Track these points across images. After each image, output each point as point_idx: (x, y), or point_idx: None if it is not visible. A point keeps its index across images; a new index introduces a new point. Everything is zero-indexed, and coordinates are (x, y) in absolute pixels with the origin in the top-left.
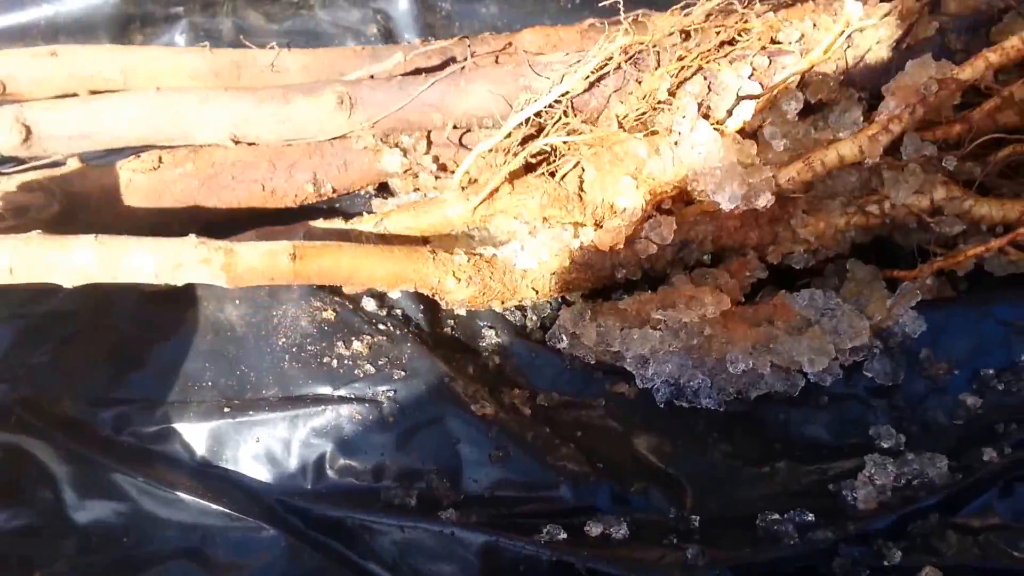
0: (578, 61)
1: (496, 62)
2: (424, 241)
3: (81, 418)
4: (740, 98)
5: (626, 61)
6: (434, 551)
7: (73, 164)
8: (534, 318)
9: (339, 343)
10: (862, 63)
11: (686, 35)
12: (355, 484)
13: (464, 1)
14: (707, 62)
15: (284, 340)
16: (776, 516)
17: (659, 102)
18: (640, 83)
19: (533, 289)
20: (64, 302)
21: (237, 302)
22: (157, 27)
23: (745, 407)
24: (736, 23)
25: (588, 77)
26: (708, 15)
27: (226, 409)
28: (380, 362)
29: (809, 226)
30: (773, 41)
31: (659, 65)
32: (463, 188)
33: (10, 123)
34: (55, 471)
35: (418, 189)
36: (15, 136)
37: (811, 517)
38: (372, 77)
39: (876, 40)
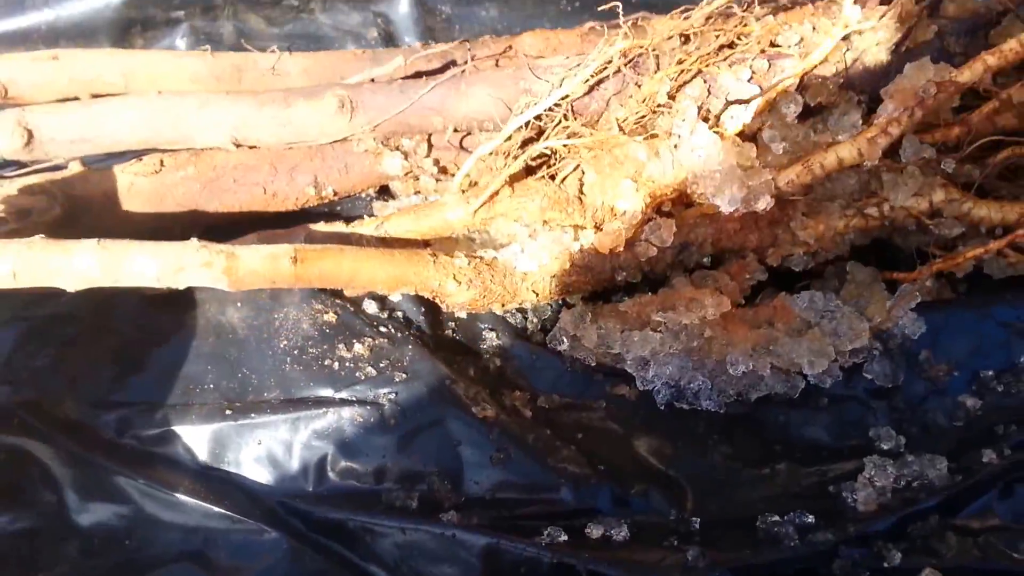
0: (578, 65)
1: (496, 65)
2: (425, 244)
3: (83, 421)
4: (729, 103)
5: (626, 65)
6: (435, 553)
7: (75, 167)
8: (535, 320)
9: (340, 345)
10: (861, 66)
11: (685, 39)
12: (356, 486)
13: (464, 4)
14: (706, 65)
15: (285, 343)
16: (776, 518)
17: (659, 105)
18: (640, 86)
19: (533, 292)
20: (66, 305)
21: (239, 305)
22: (158, 31)
23: (745, 409)
24: (735, 27)
25: (588, 81)
26: (707, 18)
27: (228, 412)
28: (381, 364)
29: (808, 228)
30: (772, 44)
31: (659, 69)
32: (463, 191)
33: (12, 127)
34: (57, 474)
35: (419, 192)
36: (17, 140)
37: (811, 519)
38: (373, 80)
39: (875, 43)
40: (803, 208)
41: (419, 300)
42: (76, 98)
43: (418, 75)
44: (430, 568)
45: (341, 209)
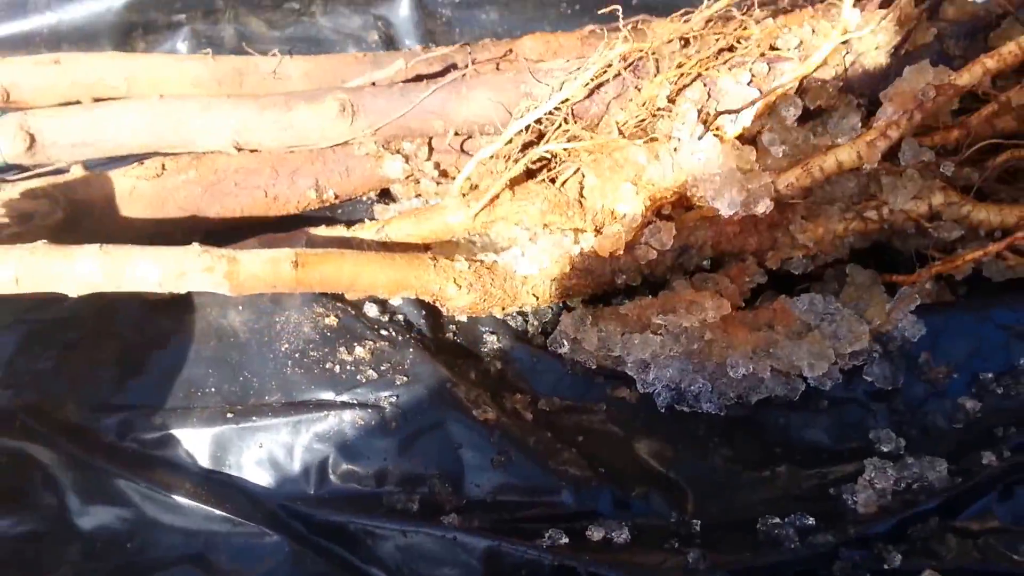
0: (578, 68)
1: (497, 69)
2: (425, 248)
3: (85, 424)
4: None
5: (626, 68)
6: (437, 556)
7: (77, 171)
8: (535, 323)
9: (341, 349)
10: (860, 69)
11: (685, 42)
12: (358, 489)
13: (464, 7)
14: (706, 69)
15: (287, 346)
16: (777, 520)
17: (659, 109)
18: (640, 90)
19: (534, 295)
20: (68, 309)
21: (240, 308)
22: (159, 34)
23: (746, 411)
24: (735, 30)
25: (588, 84)
26: (707, 22)
27: (229, 415)
28: (382, 367)
29: (808, 232)
30: (772, 48)
31: (658, 72)
32: (464, 195)
33: (14, 131)
34: (59, 477)
35: (420, 195)
36: (19, 144)
37: (811, 521)
38: (374, 84)
39: (874, 46)
40: (802, 211)
41: (420, 303)
42: (78, 102)
43: (419, 78)
44: (431, 571)
45: (342, 212)
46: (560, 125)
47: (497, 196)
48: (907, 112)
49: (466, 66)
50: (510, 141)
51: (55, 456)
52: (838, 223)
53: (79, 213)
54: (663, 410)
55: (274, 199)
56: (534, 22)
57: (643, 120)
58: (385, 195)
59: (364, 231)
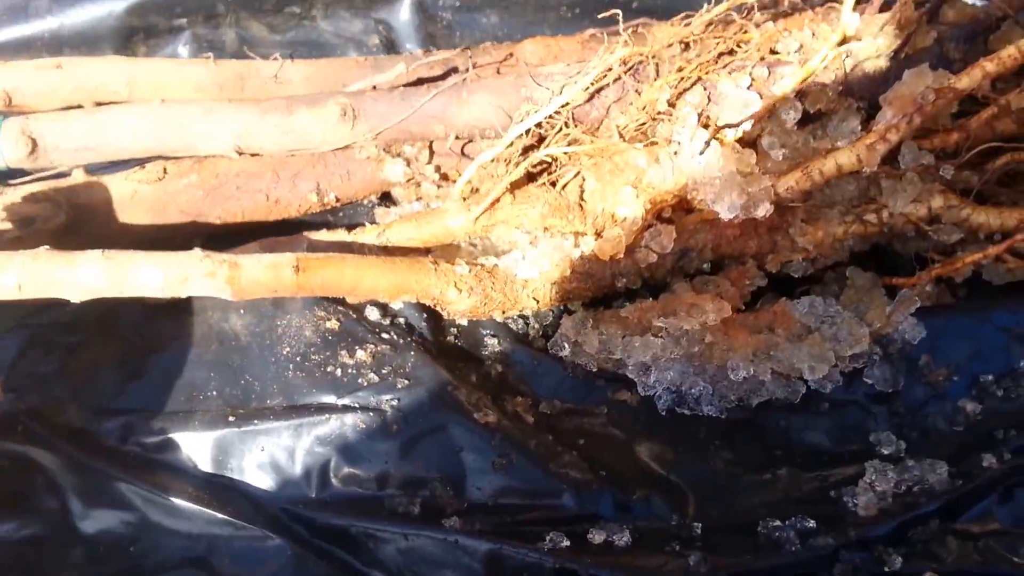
0: (579, 72)
1: (498, 73)
2: (426, 251)
3: (87, 428)
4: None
5: (626, 72)
6: (438, 559)
7: (79, 175)
8: (536, 326)
9: (343, 352)
10: (860, 72)
11: (685, 46)
12: (359, 492)
13: (465, 11)
14: (707, 73)
15: (288, 349)
16: (777, 523)
17: (659, 112)
18: (640, 94)
19: (534, 299)
20: (70, 313)
21: (241, 312)
22: (161, 39)
23: (746, 414)
24: (735, 34)
25: (588, 88)
26: (708, 25)
27: (231, 418)
28: (384, 371)
29: (808, 235)
30: (772, 51)
31: (659, 76)
32: (465, 198)
33: (16, 135)
34: (61, 481)
35: (420, 198)
36: (22, 149)
37: (812, 523)
38: (374, 88)
39: (874, 49)
40: (802, 214)
41: (421, 306)
42: (80, 106)
43: (420, 82)
44: (433, 574)
45: (343, 215)
46: (561, 129)
47: (498, 200)
48: (907, 116)
49: (467, 70)
50: (511, 145)
51: (57, 460)
52: (838, 226)
53: (81, 217)
54: (664, 413)
55: (275, 202)
56: (534, 25)
57: (643, 124)
58: (386, 198)
59: (365, 235)
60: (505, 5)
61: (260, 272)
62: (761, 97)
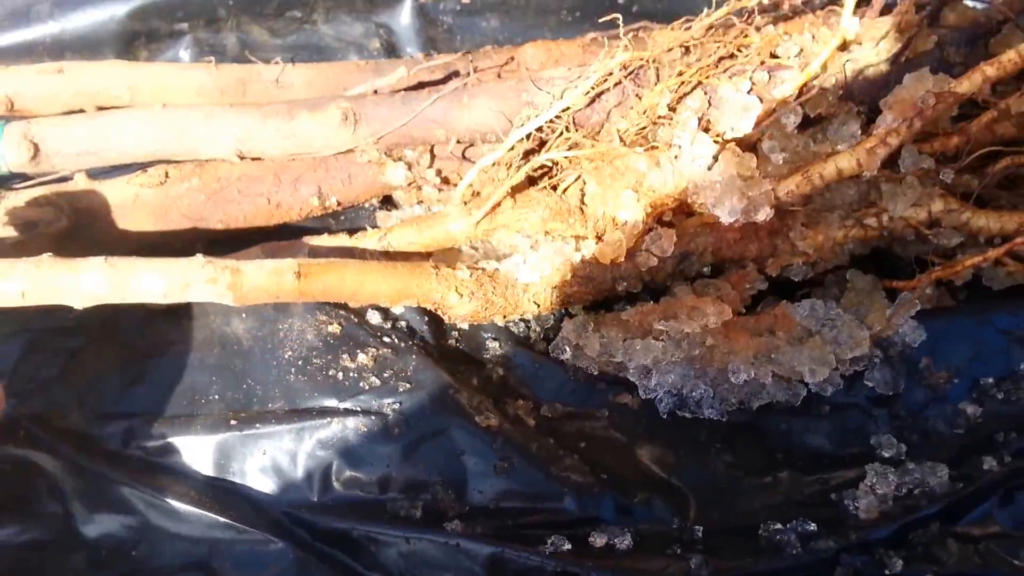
0: (579, 77)
1: (499, 77)
2: (427, 255)
3: (89, 432)
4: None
5: (626, 77)
6: (440, 562)
7: (81, 179)
8: (537, 329)
9: (344, 356)
10: (861, 76)
11: (686, 50)
12: (361, 496)
13: (465, 15)
14: (707, 77)
15: (290, 353)
16: (778, 526)
17: (659, 117)
18: (640, 98)
19: (535, 303)
20: (72, 317)
21: (243, 316)
22: (162, 43)
23: (747, 417)
24: (736, 38)
25: (589, 93)
26: (708, 29)
27: (233, 422)
28: (385, 374)
29: (808, 239)
30: (772, 55)
31: (659, 80)
32: (466, 202)
33: (18, 140)
34: (63, 485)
35: (422, 201)
36: (24, 153)
37: (813, 526)
38: (376, 92)
39: (874, 53)
40: (802, 218)
41: (422, 310)
42: (82, 110)
43: (421, 86)
44: None
45: (344, 219)
46: (561, 133)
47: (499, 204)
48: (907, 120)
49: (468, 74)
50: (512, 149)
51: (59, 464)
52: (838, 230)
53: (83, 221)
54: (665, 416)
55: (277, 206)
56: (534, 29)
57: (644, 128)
58: (387, 202)
59: (366, 239)
60: (506, 9)
61: (262, 278)
62: (761, 101)
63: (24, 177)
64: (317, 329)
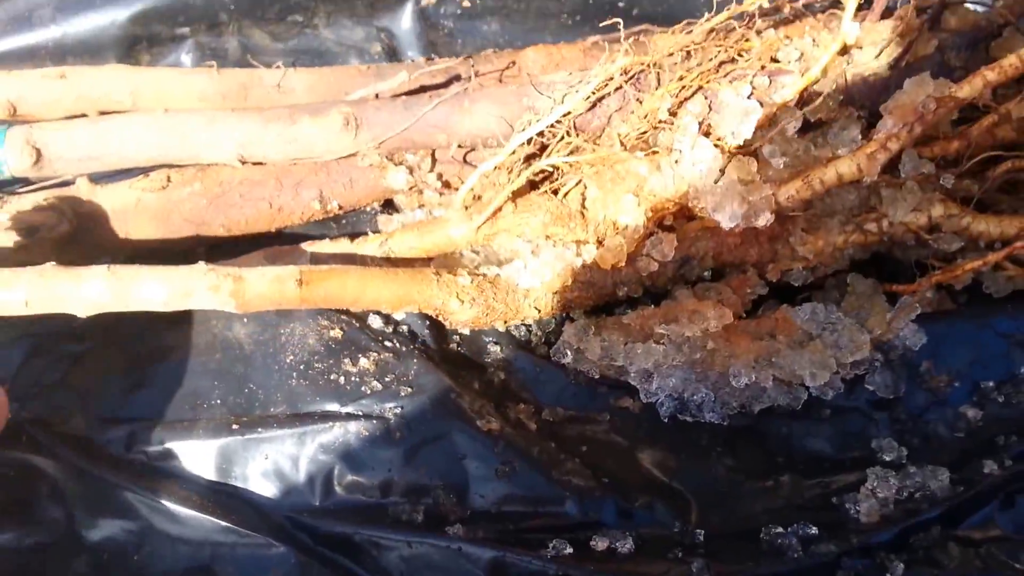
0: (580, 81)
1: (500, 81)
2: (428, 261)
3: (91, 436)
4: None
5: (627, 81)
6: (441, 566)
7: (83, 184)
8: (539, 333)
9: (346, 360)
10: (861, 80)
11: (687, 54)
12: (363, 500)
13: (466, 19)
14: (708, 81)
15: (292, 358)
16: (780, 529)
17: (660, 121)
18: (641, 103)
19: (536, 308)
20: (75, 322)
21: (245, 320)
22: (164, 47)
23: (748, 421)
24: (736, 42)
25: (590, 97)
26: (709, 34)
27: (234, 426)
28: (387, 379)
29: (808, 244)
30: (773, 60)
31: (660, 85)
32: (467, 207)
33: (20, 145)
34: (65, 489)
35: (423, 205)
36: (26, 158)
37: (814, 530)
38: (377, 96)
39: (875, 58)
40: (803, 223)
41: (423, 314)
42: (84, 115)
43: (422, 90)
44: None
45: (346, 223)
46: (562, 138)
47: (500, 208)
48: (907, 124)
49: (469, 78)
50: (513, 153)
51: (61, 469)
52: (838, 235)
53: (85, 226)
54: (666, 420)
55: (278, 210)
56: (535, 33)
57: (645, 132)
58: (388, 206)
59: (367, 245)
60: (506, 13)
61: (264, 286)
62: (762, 106)
63: (26, 182)
64: (319, 334)
